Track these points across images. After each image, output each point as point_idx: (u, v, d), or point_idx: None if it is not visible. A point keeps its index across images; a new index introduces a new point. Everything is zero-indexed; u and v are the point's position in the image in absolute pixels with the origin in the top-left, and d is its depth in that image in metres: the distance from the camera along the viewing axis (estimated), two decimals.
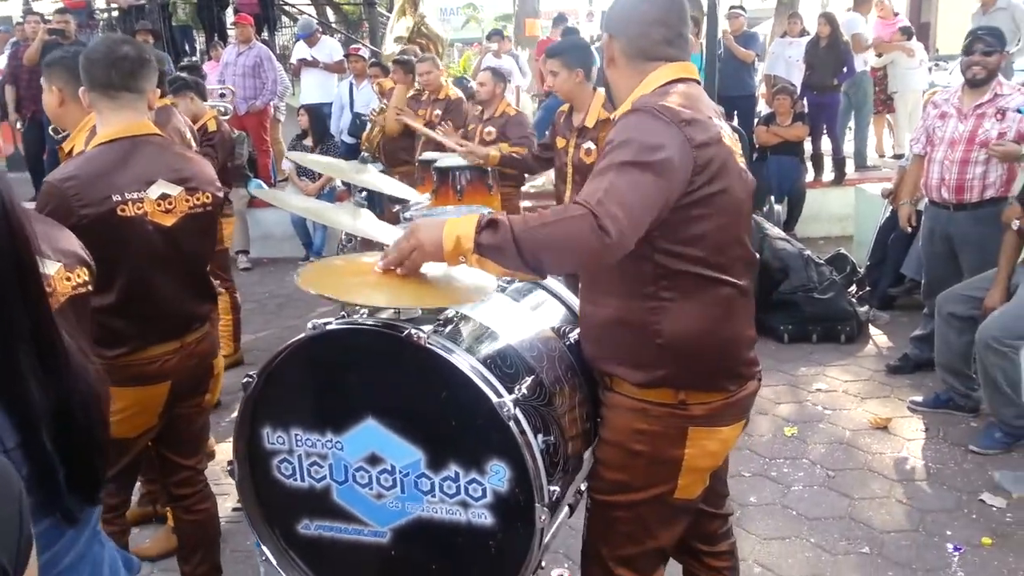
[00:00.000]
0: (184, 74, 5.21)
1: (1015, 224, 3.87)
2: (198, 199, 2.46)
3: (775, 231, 5.90)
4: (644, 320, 1.82)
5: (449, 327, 1.93)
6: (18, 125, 8.53)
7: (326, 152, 7.65)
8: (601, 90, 4.28)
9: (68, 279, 1.93)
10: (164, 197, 2.36)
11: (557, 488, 1.84)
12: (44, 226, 1.97)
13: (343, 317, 1.99)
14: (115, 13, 11.16)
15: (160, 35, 9.72)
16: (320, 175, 7.65)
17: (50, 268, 1.89)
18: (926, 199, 4.61)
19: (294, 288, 7.13)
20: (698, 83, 1.94)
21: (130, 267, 2.29)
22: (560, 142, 4.32)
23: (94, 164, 2.28)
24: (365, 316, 1.96)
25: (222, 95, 6.93)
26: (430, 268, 1.86)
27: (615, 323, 1.88)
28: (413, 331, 1.79)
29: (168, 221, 2.38)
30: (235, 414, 4.46)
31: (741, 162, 1.91)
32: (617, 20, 1.96)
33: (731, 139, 1.89)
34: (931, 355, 4.40)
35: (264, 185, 7.63)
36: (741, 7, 9.06)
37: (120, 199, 2.26)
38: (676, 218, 1.75)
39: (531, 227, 1.62)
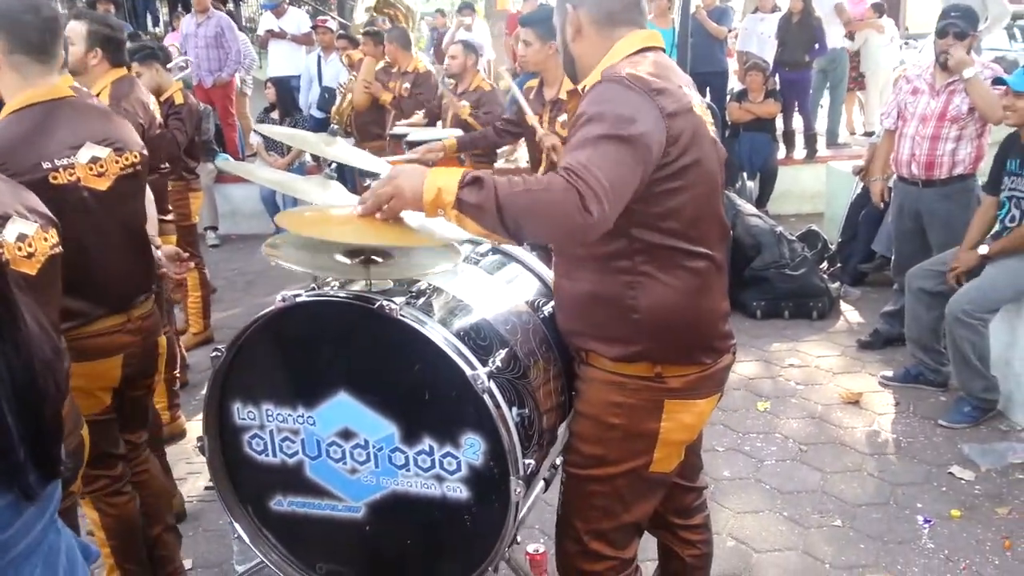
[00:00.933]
0: (149, 42, 5.08)
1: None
2: (127, 159, 2.40)
3: (748, 208, 5.91)
4: (620, 294, 1.79)
5: (422, 299, 1.89)
6: None
7: (294, 126, 7.52)
8: None
9: (45, 239, 1.87)
10: (95, 160, 2.29)
11: (532, 461, 1.82)
12: (10, 187, 1.89)
13: (313, 289, 1.94)
14: None
15: (121, 4, 9.46)
16: (289, 149, 7.53)
17: (28, 228, 1.83)
18: (895, 175, 4.63)
19: (264, 265, 7.08)
20: (663, 51, 1.90)
21: (69, 238, 2.10)
22: (531, 118, 4.25)
23: (16, 131, 2.16)
24: (336, 288, 1.91)
25: (181, 67, 6.74)
26: (408, 216, 1.80)
27: (590, 297, 1.85)
28: (385, 303, 1.74)
29: (103, 185, 2.31)
30: (204, 391, 4.41)
31: (713, 132, 1.88)
32: None
33: (702, 108, 1.86)
34: (901, 330, 4.44)
35: (231, 159, 7.49)
36: None
37: (51, 166, 2.17)
38: (651, 191, 1.72)
39: (515, 192, 1.58)
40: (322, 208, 2.13)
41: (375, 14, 7.20)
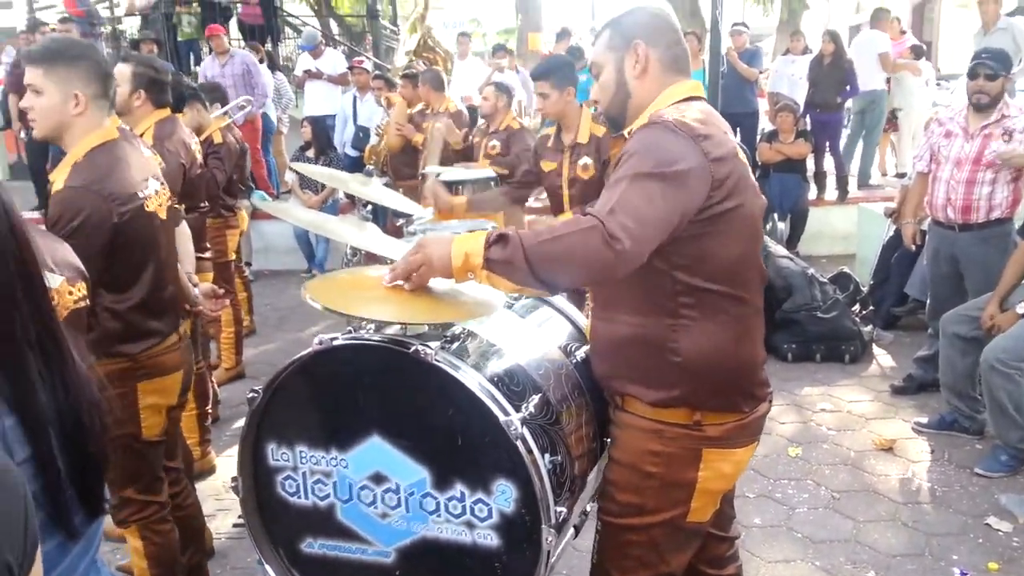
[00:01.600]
0: (190, 82, 5.21)
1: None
2: (167, 193, 2.62)
3: (778, 249, 5.89)
4: (662, 337, 1.79)
5: (456, 344, 1.91)
6: (22, 134, 8.53)
7: (329, 164, 7.65)
8: (587, 107, 4.26)
9: (70, 293, 1.93)
10: (156, 192, 2.50)
11: (564, 509, 1.81)
12: (44, 238, 1.97)
13: (349, 332, 1.97)
14: (118, 23, 11.22)
15: (163, 44, 9.75)
16: (323, 187, 7.65)
17: (53, 281, 1.88)
18: (930, 219, 4.59)
19: (296, 301, 7.16)
20: (706, 101, 1.93)
21: (154, 260, 2.45)
22: (548, 165, 4.27)
23: (109, 166, 2.33)
24: (372, 332, 1.94)
25: (242, 107, 6.88)
26: (437, 283, 1.84)
27: (630, 340, 1.85)
28: (420, 347, 1.76)
29: (163, 214, 2.53)
30: (236, 426, 4.47)
31: (754, 180, 1.89)
32: (648, 28, 1.88)
33: (744, 155, 1.88)
34: (935, 376, 4.37)
35: (268, 197, 7.62)
36: (744, 24, 9.09)
37: (142, 195, 2.39)
38: (695, 233, 1.73)
39: (541, 241, 1.59)
40: (352, 272, 2.18)
41: (414, 57, 7.35)
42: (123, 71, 3.55)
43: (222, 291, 3.25)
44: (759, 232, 1.92)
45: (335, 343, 1.86)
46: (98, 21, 11.32)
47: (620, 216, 1.57)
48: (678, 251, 1.73)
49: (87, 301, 1.98)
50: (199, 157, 4.02)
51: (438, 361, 1.76)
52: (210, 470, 4.02)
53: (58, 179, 2.28)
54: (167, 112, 3.73)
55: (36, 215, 8.21)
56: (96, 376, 1.21)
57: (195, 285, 3.13)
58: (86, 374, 1.16)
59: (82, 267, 1.98)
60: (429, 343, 1.80)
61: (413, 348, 1.76)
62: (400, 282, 1.79)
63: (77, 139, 2.32)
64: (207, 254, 4.27)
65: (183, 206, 3.53)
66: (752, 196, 1.84)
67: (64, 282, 1.91)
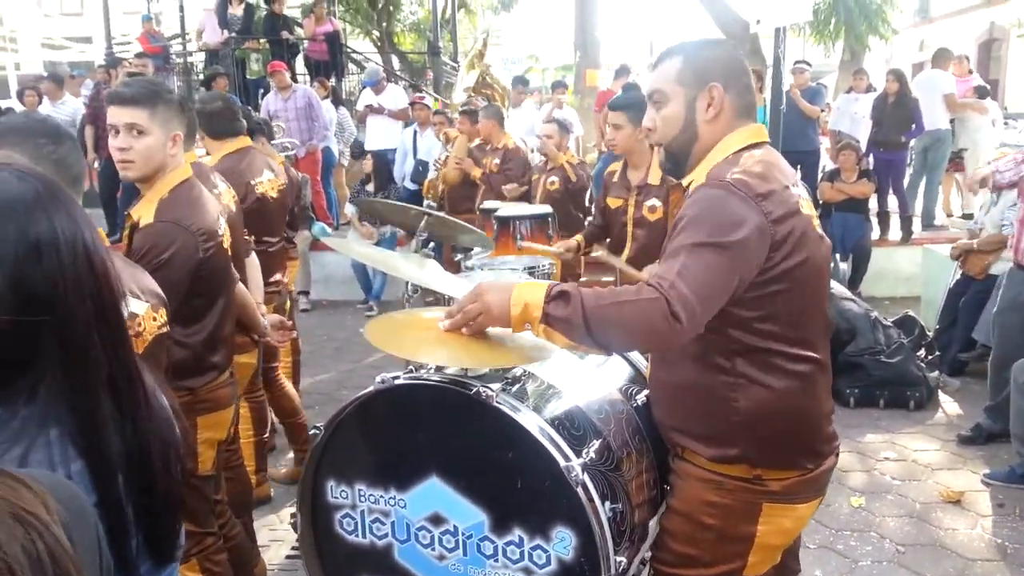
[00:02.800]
0: (257, 117, 5.37)
1: None
2: (227, 230, 2.66)
3: (841, 290, 5.77)
4: (720, 394, 1.77)
5: (516, 386, 1.91)
6: (95, 164, 8.86)
7: (388, 196, 7.81)
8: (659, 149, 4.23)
9: (155, 319, 1.99)
10: (225, 228, 2.58)
11: (623, 559, 1.78)
12: (126, 266, 2.03)
13: (410, 371, 1.98)
14: (191, 58, 11.64)
15: (233, 81, 10.08)
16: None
17: (139, 308, 1.95)
18: (1011, 263, 4.44)
19: (352, 331, 7.25)
20: (769, 144, 1.88)
21: (224, 296, 2.52)
22: (614, 202, 4.24)
23: (193, 202, 2.41)
24: (432, 371, 1.95)
25: (286, 147, 7.07)
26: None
27: (689, 391, 1.83)
28: (481, 389, 1.77)
29: (231, 251, 2.61)
30: (290, 455, 4.50)
31: (818, 227, 1.85)
32: (726, 69, 1.82)
33: (808, 204, 1.83)
34: (1005, 426, 4.21)
35: (328, 229, 7.76)
36: (806, 62, 9.00)
37: (220, 232, 2.48)
38: (754, 293, 1.70)
39: (602, 304, 1.59)
40: (411, 313, 2.19)
41: (473, 94, 7.46)
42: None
43: (289, 322, 3.33)
44: (825, 284, 1.88)
45: (396, 382, 1.88)
46: (172, 57, 11.79)
47: (682, 289, 1.56)
48: (737, 311, 1.70)
49: (168, 327, 2.05)
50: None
51: (499, 403, 1.76)
52: (265, 499, 4.06)
53: (144, 214, 2.35)
54: (245, 141, 3.93)
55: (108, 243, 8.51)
56: (182, 420, 1.21)
57: (263, 315, 3.21)
58: (162, 415, 1.14)
59: (163, 294, 2.05)
60: (491, 384, 1.80)
61: (474, 389, 1.77)
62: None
63: (162, 178, 2.39)
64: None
65: (253, 238, 3.63)
66: (817, 248, 1.79)
67: (149, 308, 1.97)
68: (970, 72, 9.47)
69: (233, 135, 3.90)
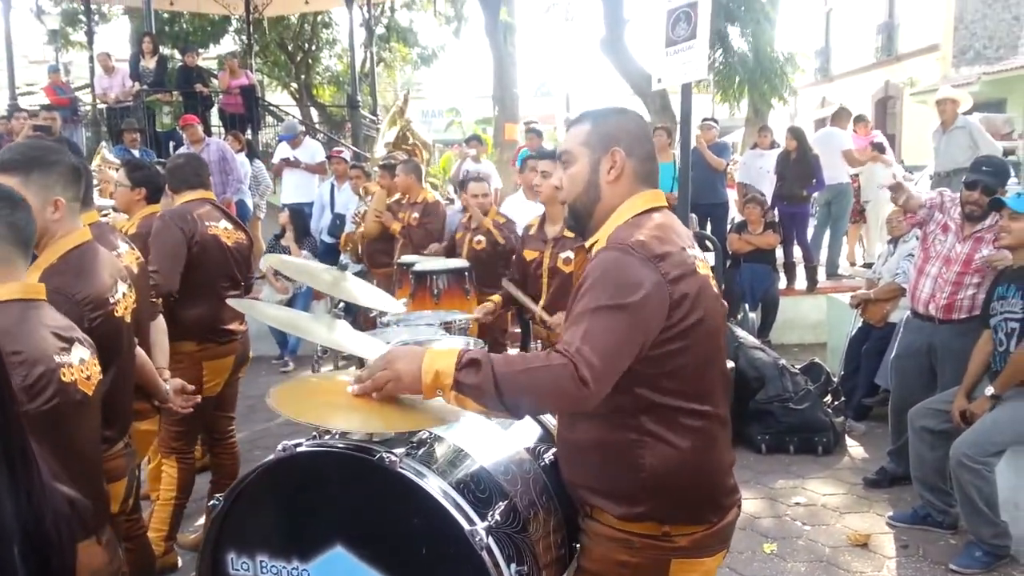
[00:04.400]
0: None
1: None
2: (134, 296, 2.65)
3: (749, 339, 5.95)
4: (626, 452, 1.79)
5: (422, 449, 1.89)
6: None
7: (302, 249, 7.76)
8: None
9: (95, 364, 2.04)
10: (123, 294, 2.51)
11: None
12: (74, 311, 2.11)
13: (314, 437, 1.95)
14: (100, 108, 11.36)
15: (146, 134, 9.88)
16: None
17: (86, 353, 2.00)
18: (908, 311, 4.65)
19: (266, 388, 7.00)
20: (668, 208, 1.95)
21: (115, 366, 2.41)
22: (530, 254, 4.32)
23: (82, 270, 2.33)
24: (336, 437, 1.92)
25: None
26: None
27: (596, 449, 1.85)
28: (385, 454, 1.75)
29: (128, 317, 2.52)
30: (199, 523, 4.31)
31: (715, 285, 1.92)
32: (630, 136, 1.90)
33: (704, 264, 1.90)
34: (907, 469, 4.37)
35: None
36: (714, 119, 9.40)
37: (112, 300, 2.39)
38: (656, 352, 1.75)
39: (513, 371, 1.63)
40: (318, 378, 2.18)
41: (393, 149, 7.50)
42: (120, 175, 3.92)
43: (191, 388, 3.22)
44: (721, 343, 1.94)
45: (298, 449, 1.84)
46: (80, 109, 11.49)
47: (587, 354, 1.61)
48: (641, 369, 1.74)
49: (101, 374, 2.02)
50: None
51: (402, 468, 1.74)
52: (172, 568, 3.89)
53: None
54: (197, 195, 3.92)
55: None
56: (65, 489, 1.20)
57: (165, 380, 3.11)
58: (52, 486, 1.15)
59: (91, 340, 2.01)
60: (395, 449, 1.79)
61: (378, 455, 1.75)
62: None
63: (51, 242, 2.31)
64: None
65: (160, 299, 3.53)
66: (713, 307, 1.86)
67: (92, 353, 2.01)
68: (871, 130, 10.03)
69: (191, 188, 3.91)
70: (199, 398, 3.31)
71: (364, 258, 7.02)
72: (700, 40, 6.66)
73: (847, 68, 25.05)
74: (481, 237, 5.49)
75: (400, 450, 1.80)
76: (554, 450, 2.10)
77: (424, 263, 5.27)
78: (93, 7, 13.46)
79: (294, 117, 13.25)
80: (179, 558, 3.95)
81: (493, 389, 1.62)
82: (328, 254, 8.14)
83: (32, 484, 1.07)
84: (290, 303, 7.99)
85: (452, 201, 9.64)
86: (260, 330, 7.90)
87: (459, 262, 5.29)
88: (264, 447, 5.62)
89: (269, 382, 7.35)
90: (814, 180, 8.41)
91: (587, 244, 1.97)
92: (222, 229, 3.96)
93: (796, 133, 8.46)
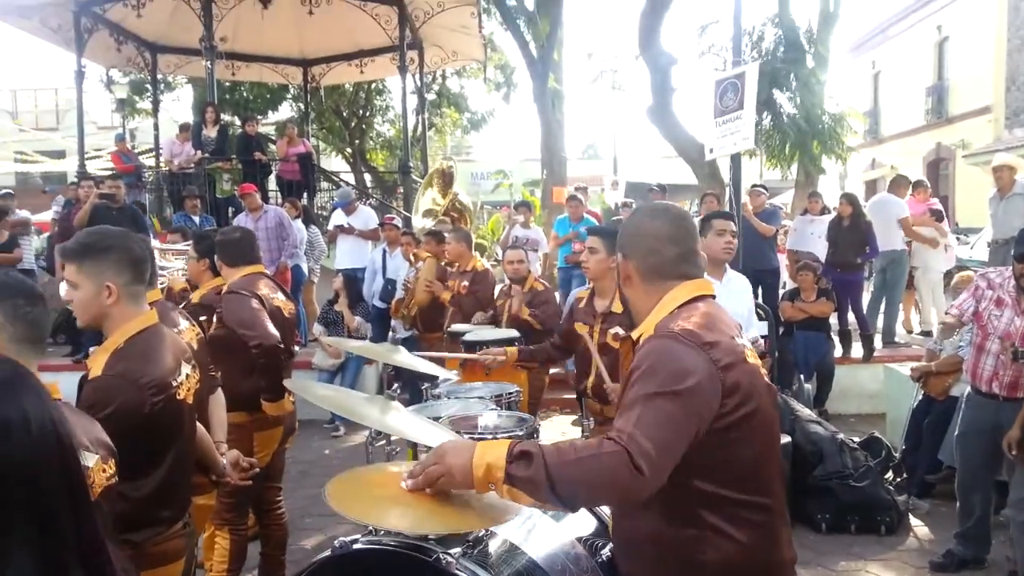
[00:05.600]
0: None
1: None
2: (197, 376, 2.67)
3: (805, 412, 5.81)
4: (686, 547, 1.76)
5: (478, 548, 1.87)
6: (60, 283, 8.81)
7: (357, 314, 7.89)
8: None
9: (104, 470, 1.96)
10: (187, 376, 2.55)
11: None
12: (77, 417, 2.01)
13: (369, 533, 1.94)
14: (162, 173, 11.80)
15: (207, 200, 10.21)
16: (350, 335, 7.76)
17: (89, 460, 1.92)
18: (968, 387, 4.51)
19: (318, 453, 7.11)
20: (714, 299, 1.96)
21: (175, 448, 2.46)
22: (581, 328, 4.32)
23: (147, 354, 2.37)
24: (393, 535, 1.91)
25: None
26: None
27: (653, 543, 1.81)
28: (442, 555, 1.74)
29: (190, 399, 2.55)
30: None
31: (765, 375, 1.90)
32: (629, 240, 2.00)
33: (752, 354, 1.88)
34: (976, 552, 4.21)
35: (297, 348, 7.72)
36: (763, 185, 9.36)
37: (175, 383, 2.43)
38: (712, 442, 1.72)
39: (565, 461, 1.59)
40: (372, 470, 2.17)
41: (441, 216, 7.62)
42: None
43: (246, 463, 3.25)
44: (776, 434, 1.91)
45: (355, 547, 1.84)
46: (144, 175, 11.94)
47: (641, 442, 1.58)
48: (696, 461, 1.71)
49: (116, 478, 2.00)
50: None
51: (458, 570, 1.73)
52: None
53: (96, 365, 2.32)
54: (253, 269, 4.01)
55: (70, 361, 8.38)
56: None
57: (223, 454, 3.14)
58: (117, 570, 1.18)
59: (112, 445, 2.01)
60: (451, 549, 1.78)
61: (435, 556, 1.74)
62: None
63: (116, 326, 2.37)
64: None
65: (219, 373, 3.60)
66: (765, 397, 1.84)
67: (98, 460, 1.94)
68: (930, 196, 9.90)
69: (248, 263, 4.01)
70: (257, 470, 3.33)
71: (415, 325, 7.09)
72: (747, 110, 6.72)
73: (897, 130, 24.87)
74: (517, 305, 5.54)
75: (456, 550, 1.79)
76: (611, 545, 2.06)
77: (475, 333, 5.31)
78: (159, 76, 14.06)
79: (348, 183, 13.58)
80: None
81: (546, 481, 1.58)
82: (380, 319, 8.24)
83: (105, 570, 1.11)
84: (343, 367, 8.08)
85: (498, 263, 9.76)
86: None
87: (509, 332, 5.33)
88: (316, 514, 5.63)
89: (321, 447, 7.42)
90: (867, 247, 8.28)
91: (633, 336, 1.97)
92: (282, 301, 4.09)
93: (851, 199, 8.38)
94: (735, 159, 7.27)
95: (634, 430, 1.60)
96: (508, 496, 1.65)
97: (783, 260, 9.69)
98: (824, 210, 9.31)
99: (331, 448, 7.40)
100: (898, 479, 5.62)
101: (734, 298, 3.97)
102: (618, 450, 1.57)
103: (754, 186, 9.03)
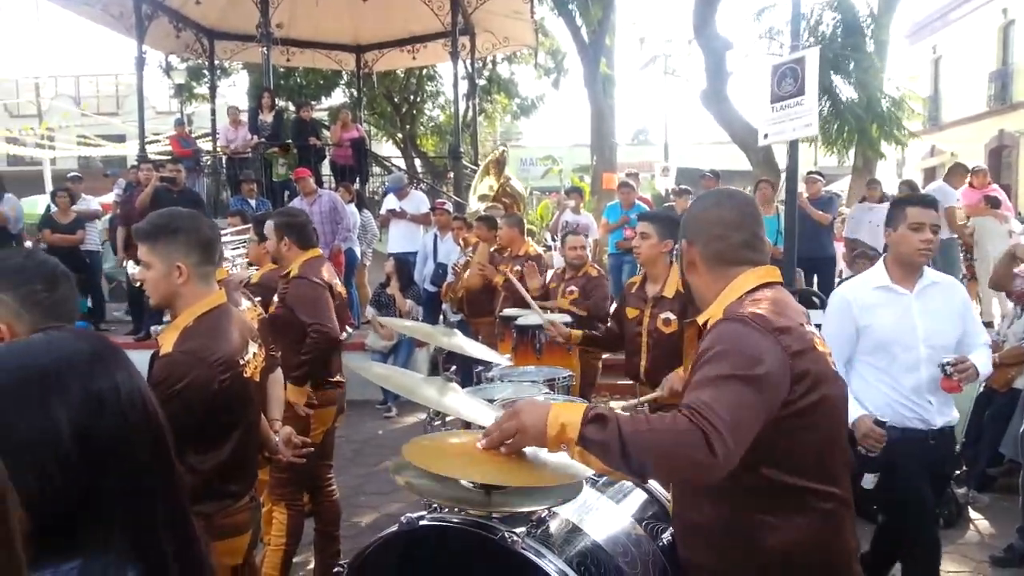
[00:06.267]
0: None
1: None
2: (263, 355, 2.76)
3: None
4: (749, 534, 1.75)
5: (541, 528, 1.89)
6: (123, 263, 9.07)
7: (409, 297, 7.99)
8: (677, 265, 4.35)
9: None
10: (253, 355, 2.64)
11: None
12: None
13: (434, 511, 1.98)
14: (219, 158, 12.04)
15: (262, 184, 10.39)
16: (401, 316, 7.85)
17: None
18: None
19: (371, 433, 7.22)
20: (782, 285, 1.94)
21: (243, 423, 2.54)
22: (631, 312, 4.30)
23: (216, 332, 2.44)
24: (457, 512, 1.94)
25: None
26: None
27: (715, 530, 1.81)
28: (507, 533, 1.76)
29: (256, 377, 2.65)
30: (310, 567, 4.40)
31: (834, 364, 1.88)
32: (694, 226, 1.99)
33: (821, 342, 1.87)
34: None
35: (349, 328, 7.84)
36: (819, 173, 9.19)
37: (243, 361, 2.52)
38: (780, 429, 1.71)
39: (639, 431, 1.58)
40: (445, 436, 2.21)
41: (492, 202, 7.64)
42: (268, 225, 4.09)
43: (299, 440, 3.32)
44: (843, 421, 1.89)
45: (420, 524, 1.87)
46: (201, 159, 12.19)
47: (716, 422, 1.56)
48: (763, 447, 1.70)
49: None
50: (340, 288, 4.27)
51: (524, 549, 1.75)
52: None
53: (167, 342, 2.39)
54: (315, 252, 4.08)
55: (131, 339, 8.63)
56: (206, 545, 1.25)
57: (276, 432, 3.22)
58: (205, 549, 1.19)
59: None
60: (516, 528, 1.80)
61: (500, 534, 1.76)
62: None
63: (186, 305, 2.44)
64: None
65: (278, 353, 3.68)
66: (834, 385, 1.82)
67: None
68: (989, 183, 9.62)
69: (312, 247, 4.12)
70: (311, 449, 3.39)
71: (464, 309, 7.14)
72: (809, 96, 6.58)
73: (958, 116, 24.13)
74: (573, 287, 5.54)
75: (521, 529, 1.81)
76: (671, 530, 2.07)
77: (527, 317, 5.32)
78: (216, 62, 14.32)
79: (400, 168, 13.69)
80: None
81: (618, 447, 1.58)
82: (430, 303, 8.32)
83: (193, 546, 1.13)
84: (395, 349, 8.18)
85: (549, 248, 9.76)
86: (365, 376, 8.11)
87: (561, 317, 5.32)
88: (369, 492, 5.73)
89: (374, 428, 7.53)
90: None
91: (699, 320, 1.97)
92: (338, 284, 4.17)
93: (912, 186, 8.21)
94: (792, 145, 7.14)
95: (708, 410, 1.58)
96: (578, 458, 1.64)
97: (839, 248, 9.51)
98: (883, 198, 9.10)
99: (384, 429, 7.51)
100: (958, 472, 5.51)
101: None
102: (692, 428, 1.56)
103: (810, 173, 8.88)
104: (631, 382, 4.41)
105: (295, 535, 4.02)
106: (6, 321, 1.87)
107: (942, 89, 25.76)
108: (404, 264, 8.40)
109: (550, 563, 1.75)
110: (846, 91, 12.37)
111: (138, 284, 2.56)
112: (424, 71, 18.75)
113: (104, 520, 1.03)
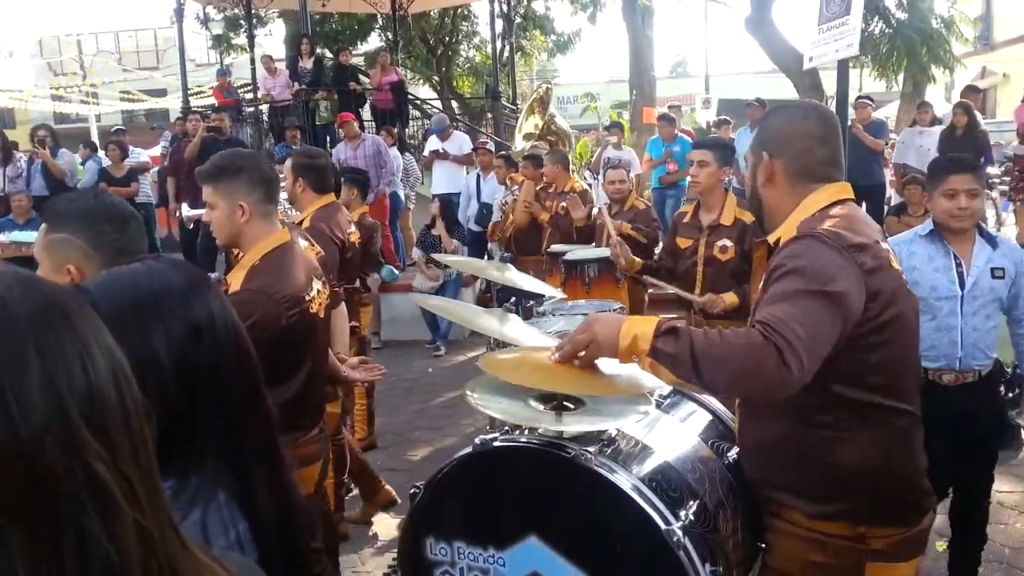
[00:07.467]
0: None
1: None
2: (327, 292, 2.83)
3: None
4: (819, 450, 1.78)
5: (611, 447, 1.95)
6: (176, 213, 9.26)
7: (455, 238, 8.04)
8: (732, 192, 4.31)
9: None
10: (318, 292, 2.71)
11: None
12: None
13: (506, 432, 2.05)
14: (263, 109, 12.10)
15: (305, 130, 10.44)
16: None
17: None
18: None
19: (420, 372, 7.37)
20: (855, 202, 1.93)
21: (310, 358, 2.63)
22: (684, 242, 4.28)
23: (282, 269, 2.50)
24: (528, 434, 2.01)
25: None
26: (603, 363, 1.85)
27: (784, 447, 1.84)
28: (580, 452, 1.82)
29: (322, 313, 2.72)
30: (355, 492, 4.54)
31: (907, 282, 1.88)
32: (776, 139, 1.94)
33: (895, 260, 1.87)
34: None
35: (396, 272, 7.95)
36: (869, 97, 8.95)
37: (308, 297, 2.58)
38: (853, 346, 1.72)
39: (711, 344, 1.59)
40: (520, 351, 2.27)
41: (537, 141, 7.60)
42: (286, 164, 3.96)
43: (368, 359, 3.42)
44: (916, 338, 1.90)
45: (494, 444, 1.94)
46: (244, 109, 12.27)
47: (790, 338, 1.55)
48: (836, 364, 1.70)
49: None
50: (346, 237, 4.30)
51: (597, 466, 1.81)
52: (343, 538, 4.14)
53: (234, 281, 2.48)
54: (330, 198, 4.04)
55: None
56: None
57: (343, 361, 3.32)
58: (294, 480, 1.23)
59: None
60: (588, 447, 1.86)
61: (573, 453, 1.82)
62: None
63: (251, 244, 2.51)
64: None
65: (341, 288, 3.76)
66: (908, 302, 1.83)
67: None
68: None
69: (330, 191, 4.12)
70: (383, 369, 3.41)
71: (512, 247, 7.17)
72: (854, 15, 6.36)
73: (1012, 35, 23.03)
74: (621, 222, 5.52)
75: (593, 448, 1.87)
76: (736, 448, 2.11)
77: (575, 252, 5.34)
78: (252, 12, 14.28)
79: (439, 110, 13.63)
80: (347, 529, 4.21)
81: (690, 360, 1.59)
82: (476, 242, 8.38)
83: (283, 476, 1.16)
84: (440, 290, 8.28)
85: (590, 186, 9.71)
86: (413, 315, 8.25)
87: (606, 251, 5.33)
88: (422, 427, 5.88)
89: (423, 366, 7.68)
90: (982, 158, 7.86)
91: (770, 239, 1.97)
92: (356, 234, 4.34)
93: (966, 108, 7.95)
94: (842, 69, 6.93)
95: (783, 325, 1.57)
96: (650, 370, 1.67)
97: (888, 175, 9.31)
98: (935, 121, 8.86)
99: (434, 367, 7.65)
100: (1011, 395, 5.46)
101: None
102: (765, 342, 1.56)
103: (859, 98, 8.66)
104: (678, 315, 4.42)
105: (341, 467, 4.09)
106: (76, 263, 1.91)
107: (995, 7, 24.62)
108: (449, 205, 8.44)
109: (624, 479, 1.81)
110: (897, 12, 11.92)
111: (191, 226, 2.63)
112: (459, 11, 18.48)
113: (197, 445, 1.06)
